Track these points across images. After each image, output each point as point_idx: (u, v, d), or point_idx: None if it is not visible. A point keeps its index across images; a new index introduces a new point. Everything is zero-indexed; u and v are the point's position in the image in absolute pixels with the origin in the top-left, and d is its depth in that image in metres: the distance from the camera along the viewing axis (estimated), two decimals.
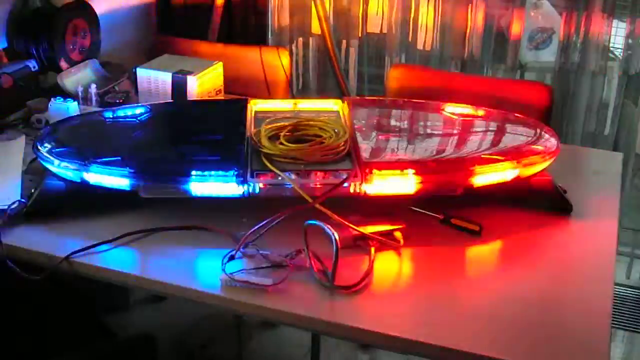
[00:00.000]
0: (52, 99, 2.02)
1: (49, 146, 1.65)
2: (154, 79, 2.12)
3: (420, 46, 2.98)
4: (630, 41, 2.76)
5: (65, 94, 2.14)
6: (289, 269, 1.39)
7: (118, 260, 1.47)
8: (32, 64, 2.20)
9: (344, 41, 3.13)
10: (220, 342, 2.67)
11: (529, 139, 1.73)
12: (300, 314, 1.32)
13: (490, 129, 1.84)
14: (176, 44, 2.64)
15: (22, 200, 1.59)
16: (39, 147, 1.64)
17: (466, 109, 1.88)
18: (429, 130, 1.87)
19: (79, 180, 1.58)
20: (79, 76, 2.26)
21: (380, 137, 1.74)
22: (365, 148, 1.63)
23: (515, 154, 1.62)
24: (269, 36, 3.15)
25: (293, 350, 2.65)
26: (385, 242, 1.48)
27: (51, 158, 1.60)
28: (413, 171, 1.54)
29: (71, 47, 2.32)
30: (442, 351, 1.24)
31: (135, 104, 2.00)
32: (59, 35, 2.26)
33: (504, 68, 2.93)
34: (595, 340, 1.26)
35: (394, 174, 1.55)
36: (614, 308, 1.35)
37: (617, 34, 2.80)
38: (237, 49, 2.62)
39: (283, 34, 3.15)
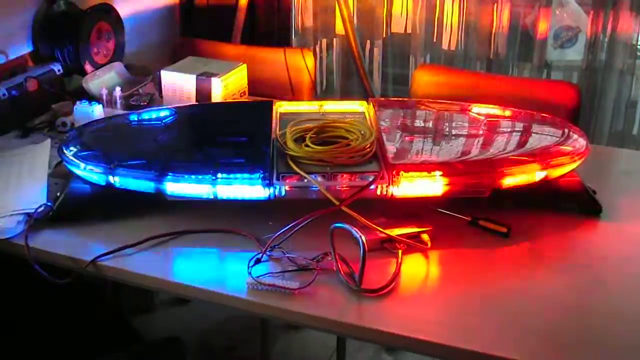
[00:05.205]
0: (77, 102, 2.03)
1: (75, 149, 1.65)
2: (178, 82, 2.12)
3: (445, 46, 2.96)
4: None
5: (90, 97, 2.14)
6: (315, 272, 1.38)
7: (144, 263, 1.46)
8: (57, 68, 2.21)
9: (368, 42, 3.12)
10: (246, 343, 2.67)
11: (557, 139, 1.71)
12: (327, 318, 1.31)
13: (518, 129, 1.82)
14: (200, 46, 2.64)
15: (48, 203, 1.59)
16: (65, 151, 1.65)
17: (493, 110, 1.87)
18: (455, 131, 1.85)
19: (104, 184, 1.58)
20: (104, 79, 2.27)
21: (406, 138, 1.73)
22: (391, 150, 1.62)
23: (543, 155, 1.60)
24: (293, 37, 3.15)
25: (318, 352, 2.64)
26: (413, 244, 1.46)
27: (77, 161, 1.61)
28: (440, 173, 1.53)
29: (96, 50, 2.32)
30: (469, 355, 1.23)
31: (160, 107, 2.00)
32: (84, 38, 2.27)
33: (530, 67, 2.91)
34: (629, 346, 1.24)
35: (421, 176, 1.54)
36: None
37: None
38: (261, 51, 2.62)
39: (307, 35, 3.14)
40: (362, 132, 1.66)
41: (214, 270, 1.47)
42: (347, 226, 1.40)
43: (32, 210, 1.56)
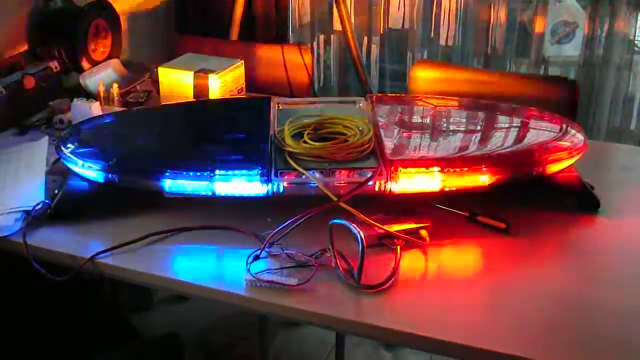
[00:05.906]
0: (74, 100, 2.02)
1: (72, 147, 1.65)
2: (176, 78, 2.12)
3: (442, 42, 2.96)
4: None
5: (88, 94, 2.14)
6: (314, 268, 1.38)
7: (142, 260, 1.46)
8: (54, 65, 2.20)
9: (366, 38, 3.12)
10: (245, 340, 2.67)
11: (555, 135, 1.71)
12: (326, 314, 1.31)
13: (515, 125, 1.82)
14: (197, 42, 2.63)
15: (46, 201, 1.59)
16: (62, 148, 1.64)
17: (490, 105, 1.86)
18: (453, 127, 1.84)
19: (102, 181, 1.58)
20: (101, 76, 2.26)
21: (404, 134, 1.72)
22: (389, 145, 1.62)
23: (541, 150, 1.60)
24: (290, 34, 3.14)
25: (317, 348, 2.65)
26: (411, 240, 1.46)
27: (75, 158, 1.60)
28: (438, 168, 1.53)
29: (93, 47, 2.32)
30: (469, 351, 1.23)
31: (157, 104, 2.00)
32: (81, 35, 2.26)
33: (528, 63, 2.91)
34: (628, 341, 1.24)
35: (419, 172, 1.54)
36: None
37: None
38: (259, 47, 2.62)
39: (304, 31, 3.15)
40: (360, 128, 1.66)
41: (213, 267, 1.47)
42: (345, 222, 1.40)
43: (30, 208, 1.56)
